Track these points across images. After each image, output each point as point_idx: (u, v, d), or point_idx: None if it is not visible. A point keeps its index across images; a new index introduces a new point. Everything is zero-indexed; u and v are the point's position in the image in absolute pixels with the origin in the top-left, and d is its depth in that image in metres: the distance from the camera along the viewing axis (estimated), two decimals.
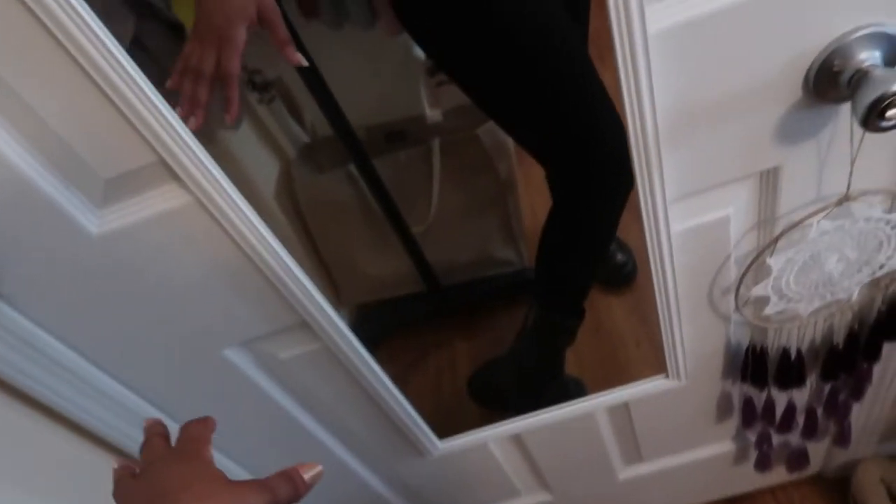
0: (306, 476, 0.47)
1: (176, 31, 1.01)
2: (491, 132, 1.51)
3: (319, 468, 0.49)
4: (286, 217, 1.60)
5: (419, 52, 1.48)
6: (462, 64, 0.87)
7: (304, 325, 0.74)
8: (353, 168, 1.53)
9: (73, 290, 0.65)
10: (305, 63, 0.79)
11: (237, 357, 0.78)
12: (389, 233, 1.59)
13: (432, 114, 1.61)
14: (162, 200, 0.59)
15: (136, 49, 0.94)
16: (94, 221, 0.60)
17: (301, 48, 1.16)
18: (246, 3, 0.69)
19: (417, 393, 1.59)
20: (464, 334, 1.74)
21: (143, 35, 0.94)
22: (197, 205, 0.58)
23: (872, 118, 0.57)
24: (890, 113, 0.56)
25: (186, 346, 0.74)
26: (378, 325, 1.79)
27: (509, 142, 1.51)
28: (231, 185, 0.58)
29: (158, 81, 1.01)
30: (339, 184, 1.57)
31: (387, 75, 1.52)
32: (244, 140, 1.45)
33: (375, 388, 0.83)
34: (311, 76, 1.22)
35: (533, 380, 1.09)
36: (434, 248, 1.64)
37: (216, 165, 0.56)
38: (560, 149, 0.84)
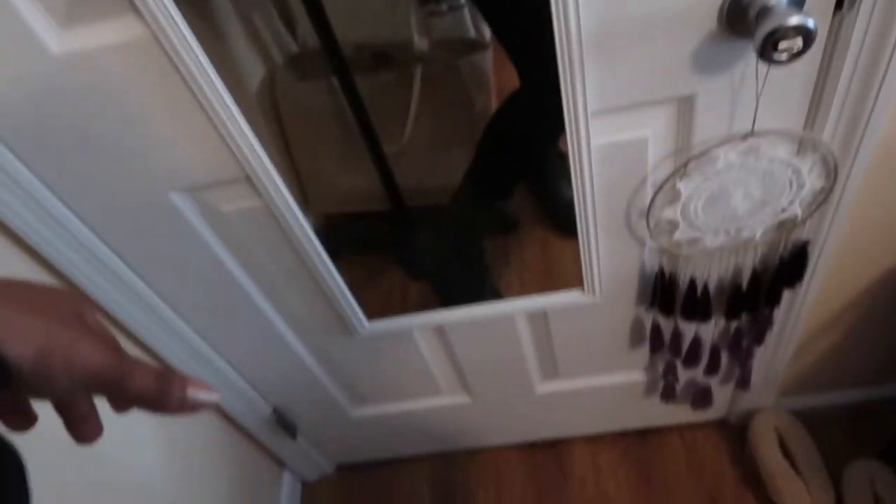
0: (191, 393, 0.39)
1: None
2: (472, 65, 1.56)
3: (214, 397, 0.41)
4: (265, 119, 1.65)
5: None
6: None
7: (247, 181, 0.80)
8: (335, 81, 1.57)
9: (34, 111, 0.71)
10: None
11: (182, 202, 0.84)
12: (362, 148, 1.64)
13: (420, 42, 1.65)
14: (121, 30, 0.64)
15: None
16: (54, 40, 0.65)
17: None
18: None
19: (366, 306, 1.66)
20: None
21: None
22: (153, 39, 0.64)
23: (767, 49, 0.63)
24: (782, 45, 0.62)
25: (136, 179, 0.80)
26: (341, 237, 1.86)
27: (489, 76, 1.56)
28: (186, 25, 0.63)
29: None
30: (319, 94, 1.62)
31: None
32: (235, 40, 1.49)
33: (308, 253, 0.90)
34: None
35: (454, 252, 1.16)
36: (404, 169, 1.70)
37: (173, 3, 0.62)
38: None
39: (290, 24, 1.69)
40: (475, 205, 1.13)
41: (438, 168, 1.72)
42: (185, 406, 0.39)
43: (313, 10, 1.30)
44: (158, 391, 0.39)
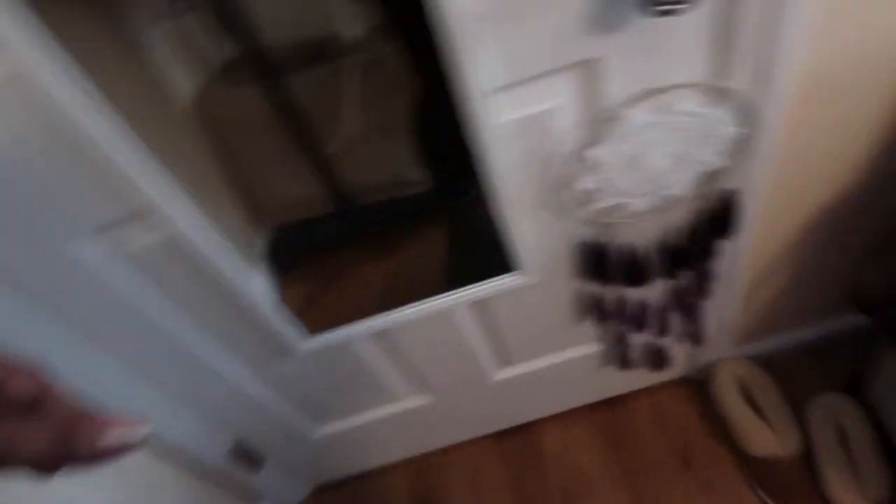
0: (107, 437, 0.30)
1: None
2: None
3: (139, 432, 0.32)
4: (202, 131, 1.59)
5: None
6: None
7: (146, 216, 0.75)
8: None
9: None
10: None
11: (84, 252, 0.78)
12: (300, 152, 1.59)
13: (353, 30, 1.61)
14: None
15: None
16: None
17: None
18: None
19: (325, 311, 1.63)
20: (375, 255, 1.77)
21: None
22: (18, 77, 0.59)
23: (648, 3, 0.61)
24: None
25: (24, 232, 0.75)
26: (292, 247, 1.81)
27: None
28: (61, 57, 0.58)
29: None
30: (254, 100, 1.57)
31: None
32: (164, 50, 1.42)
33: (227, 281, 0.86)
34: None
35: (481, 247, 1.13)
36: (346, 168, 1.66)
37: (46, 37, 0.56)
38: None
39: (221, 30, 1.63)
40: (456, 200, 1.10)
41: (386, 160, 1.68)
42: (99, 453, 0.30)
43: (228, 15, 1.24)
44: (61, 445, 0.29)
